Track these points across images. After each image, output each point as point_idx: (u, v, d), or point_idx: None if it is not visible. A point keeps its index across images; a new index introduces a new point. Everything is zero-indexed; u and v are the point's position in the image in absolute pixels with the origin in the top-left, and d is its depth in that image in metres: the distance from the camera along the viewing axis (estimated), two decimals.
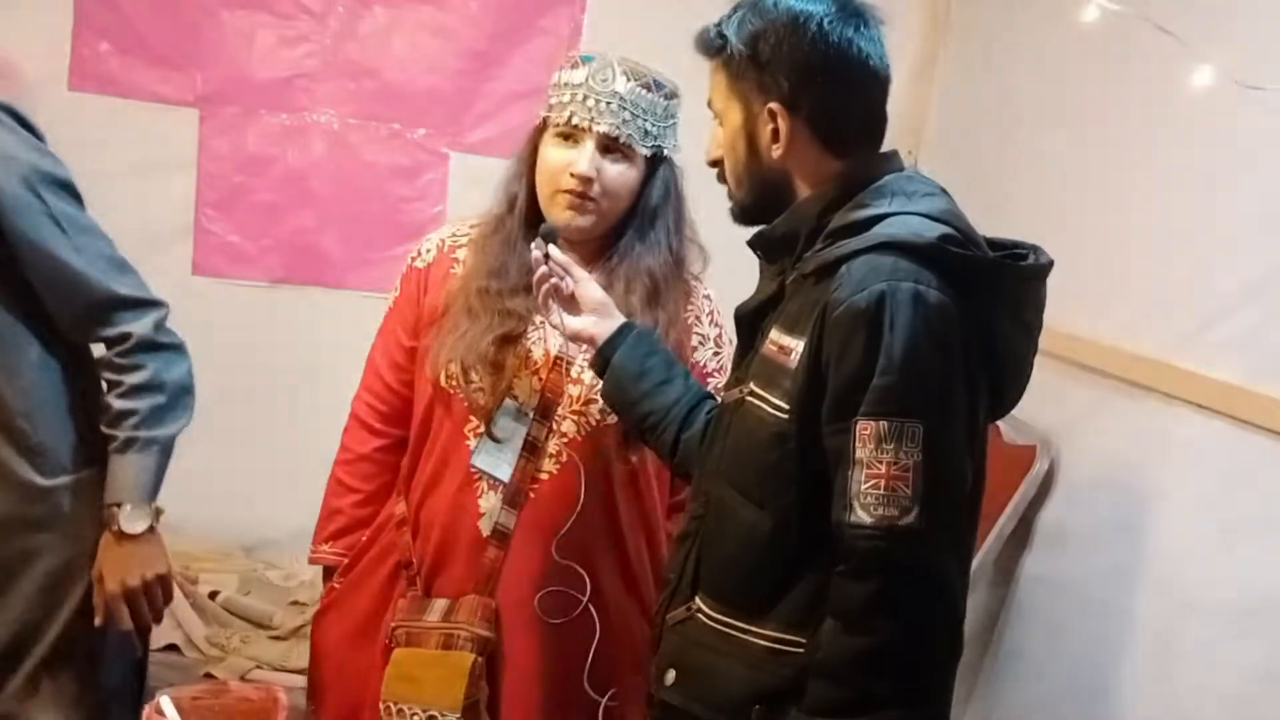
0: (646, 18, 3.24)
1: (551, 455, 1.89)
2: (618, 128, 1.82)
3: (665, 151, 1.90)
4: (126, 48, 3.29)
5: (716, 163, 1.53)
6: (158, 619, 1.86)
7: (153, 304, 1.83)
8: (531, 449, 1.88)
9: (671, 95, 1.88)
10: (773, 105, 1.42)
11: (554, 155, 1.84)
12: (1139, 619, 2.26)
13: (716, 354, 2.02)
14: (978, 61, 3.36)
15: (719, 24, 1.46)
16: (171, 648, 3.23)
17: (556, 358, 1.87)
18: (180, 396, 1.85)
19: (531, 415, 1.87)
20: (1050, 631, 2.51)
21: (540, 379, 1.87)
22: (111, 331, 1.79)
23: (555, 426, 1.89)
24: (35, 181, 1.71)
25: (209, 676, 3.09)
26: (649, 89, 1.85)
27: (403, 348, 1.98)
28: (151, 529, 1.81)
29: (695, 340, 2.00)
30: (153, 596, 1.82)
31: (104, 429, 1.80)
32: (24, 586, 1.80)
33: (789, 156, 1.44)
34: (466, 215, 2.04)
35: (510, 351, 1.85)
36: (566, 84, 1.84)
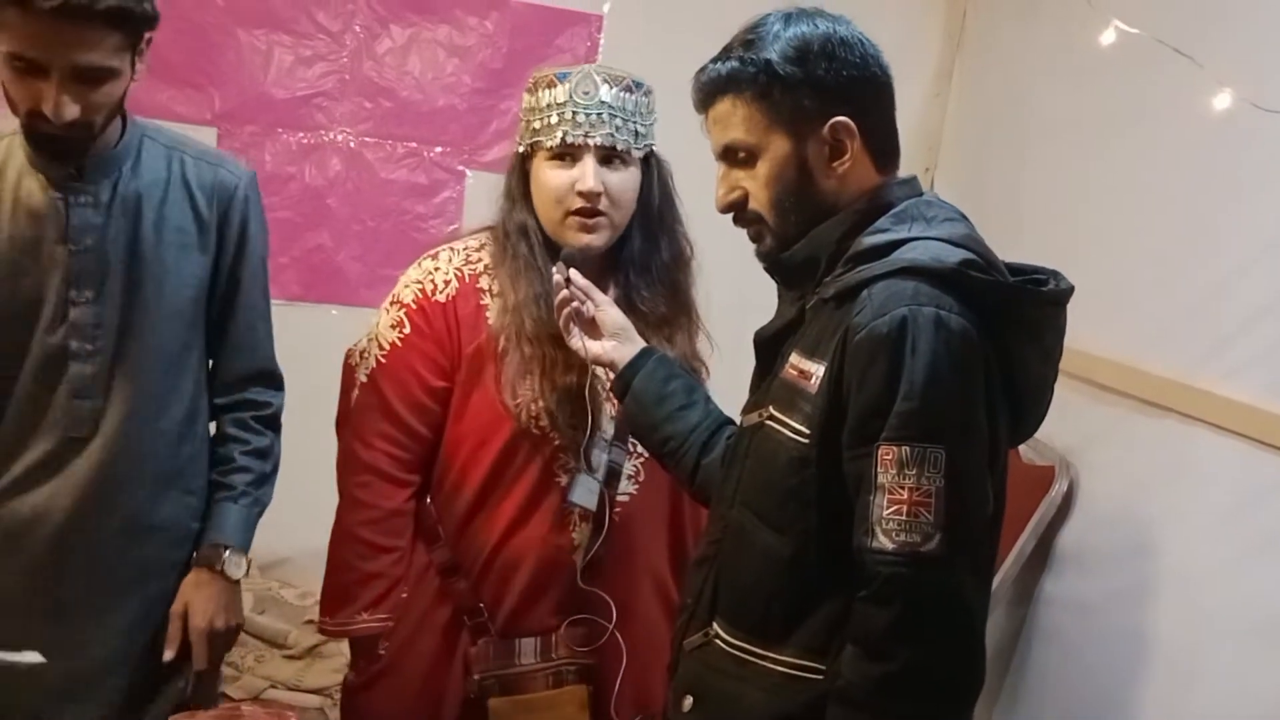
0: (663, 35, 3.24)
1: (629, 476, 1.89)
2: (612, 136, 1.80)
3: (654, 148, 1.89)
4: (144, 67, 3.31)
5: (735, 205, 1.47)
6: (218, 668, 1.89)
7: (282, 384, 2.01)
8: (613, 474, 1.87)
9: (649, 91, 1.86)
10: (839, 120, 1.38)
11: (554, 178, 1.80)
12: (1158, 640, 2.24)
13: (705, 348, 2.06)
14: (993, 78, 3.37)
15: (741, 58, 1.40)
16: None
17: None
18: (273, 474, 1.96)
19: (611, 441, 1.87)
20: (1069, 652, 2.50)
21: (615, 404, 1.84)
22: (257, 397, 1.94)
23: (633, 449, 1.89)
24: (265, 257, 1.92)
25: (224, 696, 3.09)
26: (630, 90, 1.83)
27: (430, 388, 1.87)
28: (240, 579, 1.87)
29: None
30: (229, 644, 1.87)
31: (217, 477, 1.88)
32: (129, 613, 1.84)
33: (848, 174, 1.41)
34: (464, 241, 1.97)
35: (591, 382, 1.82)
36: (549, 105, 1.80)
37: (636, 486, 1.90)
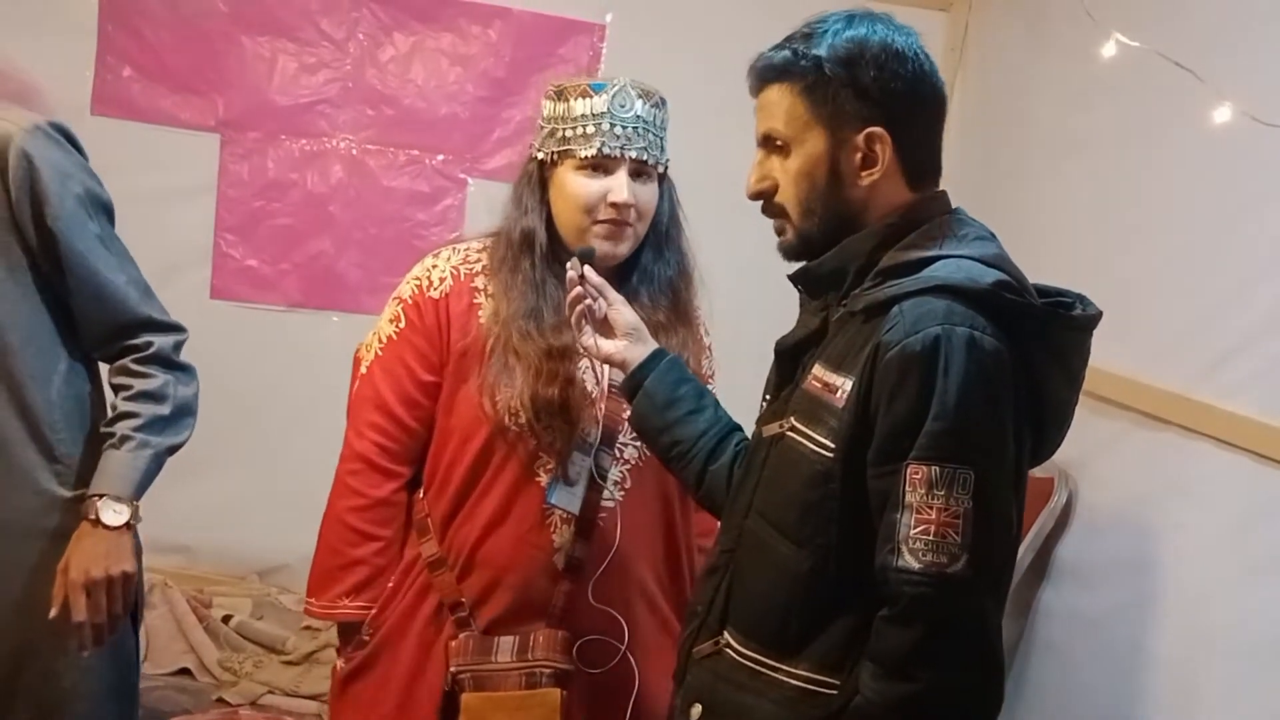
0: (665, 46, 3.25)
1: (616, 482, 1.90)
2: (645, 151, 1.82)
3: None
4: (149, 73, 3.32)
5: (763, 194, 1.47)
6: (115, 622, 1.78)
7: (176, 327, 1.90)
8: (597, 478, 1.87)
9: (666, 107, 1.88)
10: (874, 130, 1.38)
11: (584, 187, 1.81)
12: (1158, 654, 2.25)
13: (710, 359, 2.08)
14: (994, 93, 3.38)
15: (795, 50, 1.40)
16: (184, 672, 3.23)
17: (611, 385, 1.87)
18: (182, 415, 1.87)
19: (596, 446, 1.87)
20: (1068, 665, 2.50)
21: (600, 409, 1.87)
22: (133, 341, 1.83)
23: (619, 454, 1.90)
24: (88, 203, 1.78)
25: (221, 701, 3.09)
26: (658, 106, 1.86)
27: (420, 382, 1.90)
28: (128, 525, 1.78)
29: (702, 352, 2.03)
30: (114, 594, 1.76)
31: (103, 428, 1.81)
32: (28, 596, 1.79)
33: (877, 186, 1.41)
34: (467, 239, 1.99)
35: (574, 390, 1.84)
36: (585, 115, 1.81)
37: (623, 493, 1.90)
